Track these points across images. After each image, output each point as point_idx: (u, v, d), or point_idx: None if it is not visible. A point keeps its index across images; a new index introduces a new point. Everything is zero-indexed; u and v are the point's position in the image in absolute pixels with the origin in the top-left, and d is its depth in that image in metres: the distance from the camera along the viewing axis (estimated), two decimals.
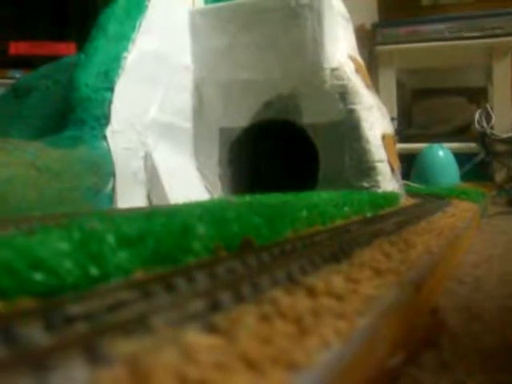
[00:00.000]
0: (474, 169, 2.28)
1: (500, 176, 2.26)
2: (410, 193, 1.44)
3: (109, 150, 1.02)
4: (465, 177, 2.12)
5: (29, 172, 0.84)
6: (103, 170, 0.99)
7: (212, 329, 0.27)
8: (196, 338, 0.25)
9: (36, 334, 0.25)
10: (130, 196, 1.05)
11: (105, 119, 1.04)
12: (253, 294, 0.33)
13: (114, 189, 1.01)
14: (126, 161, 1.05)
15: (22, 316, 0.26)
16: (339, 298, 0.34)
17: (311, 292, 0.35)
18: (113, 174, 1.01)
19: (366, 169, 1.14)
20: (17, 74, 2.26)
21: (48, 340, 0.24)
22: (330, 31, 1.20)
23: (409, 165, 1.99)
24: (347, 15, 1.30)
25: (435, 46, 2.45)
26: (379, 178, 1.13)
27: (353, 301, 0.34)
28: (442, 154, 2.07)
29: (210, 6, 1.34)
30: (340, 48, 1.22)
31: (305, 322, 0.29)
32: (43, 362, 0.21)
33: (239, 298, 0.32)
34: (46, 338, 0.25)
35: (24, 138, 1.09)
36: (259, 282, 0.35)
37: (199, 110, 1.30)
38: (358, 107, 1.15)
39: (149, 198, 1.12)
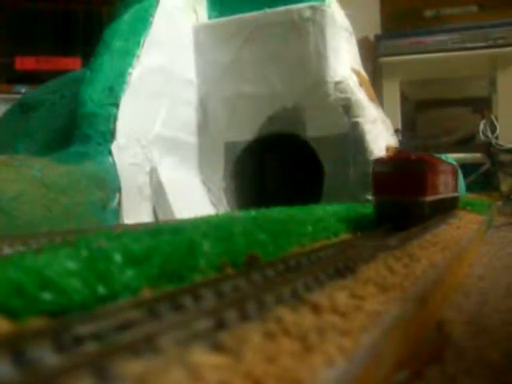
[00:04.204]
0: (480, 179, 2.28)
1: (506, 186, 2.26)
2: None
3: (114, 165, 1.03)
4: (470, 187, 2.12)
5: (36, 188, 0.85)
6: (109, 185, 1.00)
7: (218, 347, 0.28)
8: (202, 357, 0.26)
9: (45, 354, 0.26)
10: (135, 210, 1.06)
11: (110, 135, 1.05)
12: (258, 312, 0.34)
13: (120, 203, 1.02)
14: (131, 176, 1.06)
15: (31, 336, 0.26)
16: (344, 314, 0.34)
17: (316, 309, 0.35)
18: (119, 189, 1.02)
19: (370, 181, 1.14)
20: (22, 89, 2.28)
21: (57, 360, 0.25)
22: (332, 45, 1.21)
23: None
24: (350, 28, 1.31)
25: (439, 56, 2.46)
26: None
27: (357, 317, 0.34)
28: None
29: (214, 21, 1.35)
30: (343, 61, 1.23)
31: (309, 340, 0.29)
32: (53, 382, 0.22)
33: (245, 316, 0.33)
34: (55, 359, 0.25)
35: (30, 154, 1.10)
36: (264, 300, 0.35)
37: (204, 125, 1.31)
38: (361, 120, 1.16)
39: (154, 212, 1.13)
